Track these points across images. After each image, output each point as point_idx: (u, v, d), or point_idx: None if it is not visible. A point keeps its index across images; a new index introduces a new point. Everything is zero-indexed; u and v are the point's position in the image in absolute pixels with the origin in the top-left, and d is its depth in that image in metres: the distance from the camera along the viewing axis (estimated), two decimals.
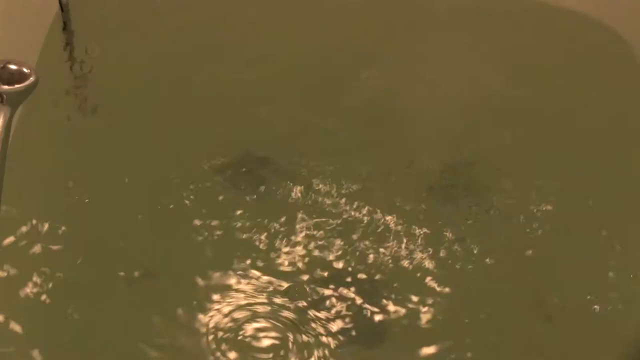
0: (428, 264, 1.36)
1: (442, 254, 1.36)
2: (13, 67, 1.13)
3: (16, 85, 1.10)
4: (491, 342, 1.26)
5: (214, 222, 1.40)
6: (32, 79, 1.12)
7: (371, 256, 1.36)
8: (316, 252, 1.37)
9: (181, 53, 1.75)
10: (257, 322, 1.25)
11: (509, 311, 1.31)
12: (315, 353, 1.22)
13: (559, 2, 1.86)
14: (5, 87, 1.12)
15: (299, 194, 1.45)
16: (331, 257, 1.35)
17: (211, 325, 1.25)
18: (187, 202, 1.43)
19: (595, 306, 1.31)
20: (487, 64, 1.75)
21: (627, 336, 1.29)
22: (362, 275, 1.33)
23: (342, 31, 1.81)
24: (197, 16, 1.83)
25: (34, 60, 1.65)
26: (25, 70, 1.13)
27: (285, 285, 1.31)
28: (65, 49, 1.76)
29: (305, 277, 1.32)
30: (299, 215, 1.41)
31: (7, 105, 1.12)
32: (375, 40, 1.78)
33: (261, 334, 1.23)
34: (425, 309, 1.29)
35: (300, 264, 1.34)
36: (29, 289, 1.28)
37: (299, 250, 1.36)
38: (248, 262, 1.34)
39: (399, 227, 1.40)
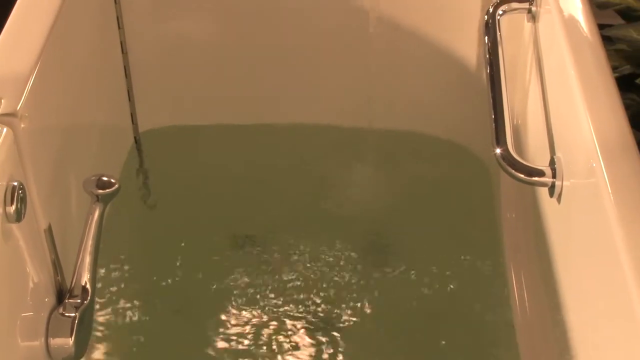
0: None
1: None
2: (104, 178, 1.43)
3: (106, 190, 1.42)
4: None
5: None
6: (116, 186, 1.43)
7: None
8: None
9: (236, 187, 2.14)
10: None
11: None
12: None
13: (424, 130, 2.09)
14: (100, 191, 1.41)
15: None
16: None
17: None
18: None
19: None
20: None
21: None
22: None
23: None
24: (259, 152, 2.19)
25: (118, 173, 2.05)
26: (112, 180, 1.43)
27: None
28: (138, 167, 2.20)
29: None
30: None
31: (101, 202, 1.42)
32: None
33: None
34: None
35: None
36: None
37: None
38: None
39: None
